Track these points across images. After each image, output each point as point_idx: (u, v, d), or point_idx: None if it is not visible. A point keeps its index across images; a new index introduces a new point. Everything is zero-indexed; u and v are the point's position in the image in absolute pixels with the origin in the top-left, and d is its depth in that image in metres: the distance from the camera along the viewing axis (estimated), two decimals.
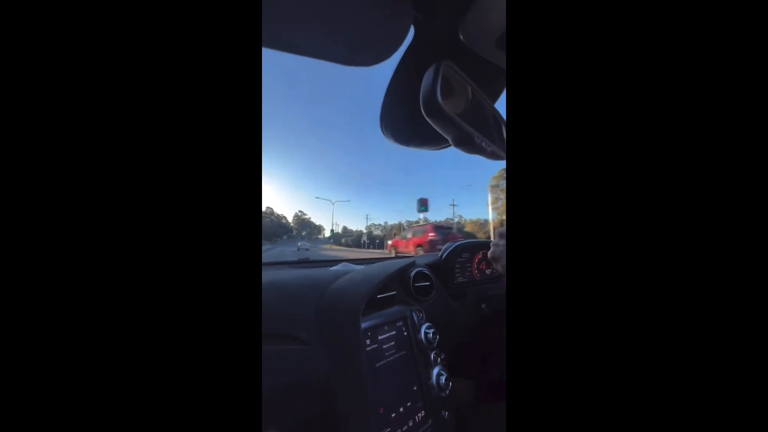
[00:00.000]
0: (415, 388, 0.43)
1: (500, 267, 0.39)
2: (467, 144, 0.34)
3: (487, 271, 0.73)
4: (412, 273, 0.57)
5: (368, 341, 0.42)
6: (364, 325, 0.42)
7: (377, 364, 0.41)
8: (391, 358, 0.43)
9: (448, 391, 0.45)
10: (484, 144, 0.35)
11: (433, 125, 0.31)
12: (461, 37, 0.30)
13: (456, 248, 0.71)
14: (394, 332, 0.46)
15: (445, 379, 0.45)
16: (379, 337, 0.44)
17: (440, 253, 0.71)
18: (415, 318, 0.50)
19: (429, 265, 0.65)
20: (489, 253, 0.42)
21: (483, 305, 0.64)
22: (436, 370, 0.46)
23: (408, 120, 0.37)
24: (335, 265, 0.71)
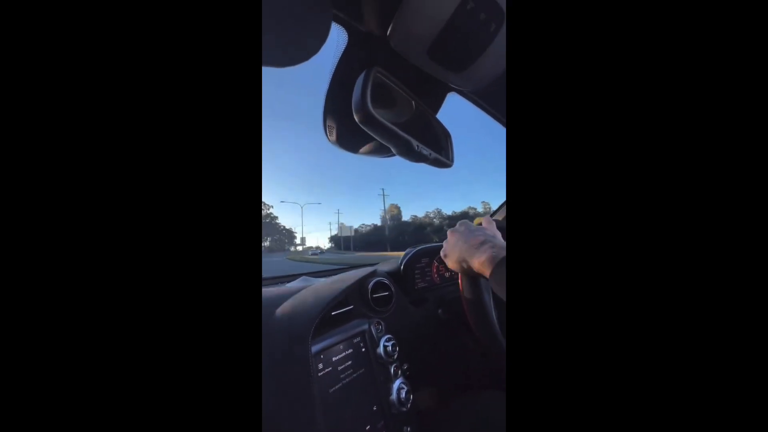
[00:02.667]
0: (374, 408, 0.41)
1: (450, 263, 0.40)
2: (408, 152, 0.34)
3: (446, 275, 0.75)
4: (371, 284, 0.56)
5: (321, 365, 0.38)
6: (315, 347, 0.39)
7: (331, 390, 0.38)
8: (348, 379, 0.41)
9: (409, 405, 0.43)
10: (424, 151, 0.35)
11: (369, 133, 0.30)
12: (392, 44, 0.30)
13: (415, 254, 0.71)
14: (351, 350, 0.44)
15: (406, 393, 0.44)
16: (334, 359, 0.41)
17: (400, 260, 0.71)
18: (373, 331, 0.48)
19: (390, 273, 0.64)
20: (441, 252, 0.42)
21: (439, 310, 0.65)
22: (396, 384, 0.44)
23: (350, 128, 0.36)
24: (294, 280, 0.66)
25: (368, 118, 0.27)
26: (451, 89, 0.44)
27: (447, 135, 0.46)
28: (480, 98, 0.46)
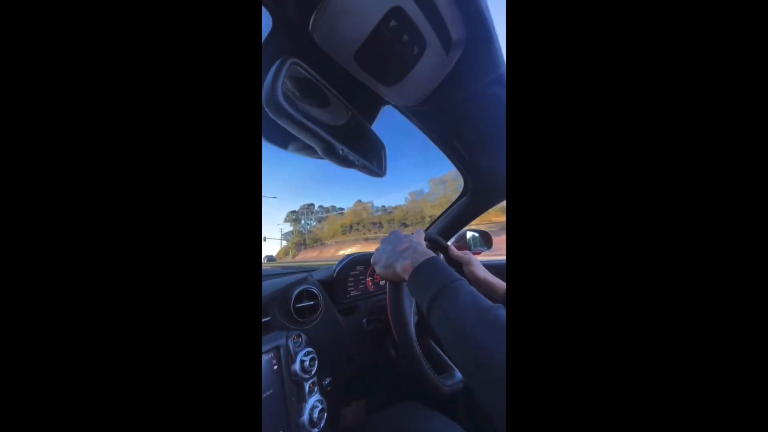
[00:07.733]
0: None
1: (378, 269, 0.40)
2: (332, 155, 0.33)
3: (381, 282, 0.75)
4: (295, 293, 0.51)
5: None
6: None
7: None
8: None
9: (322, 424, 0.40)
10: (350, 157, 0.35)
11: (286, 127, 0.28)
12: (316, 40, 0.29)
13: (350, 261, 0.70)
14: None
15: (320, 411, 0.41)
16: None
17: (334, 266, 0.68)
18: (291, 345, 0.44)
19: (321, 281, 0.61)
20: (372, 259, 0.41)
21: (363, 320, 0.64)
22: (310, 402, 0.41)
23: (275, 121, 0.33)
24: None
25: (277, 108, 0.25)
26: (385, 102, 0.46)
27: (381, 146, 0.47)
28: (412, 115, 0.49)
